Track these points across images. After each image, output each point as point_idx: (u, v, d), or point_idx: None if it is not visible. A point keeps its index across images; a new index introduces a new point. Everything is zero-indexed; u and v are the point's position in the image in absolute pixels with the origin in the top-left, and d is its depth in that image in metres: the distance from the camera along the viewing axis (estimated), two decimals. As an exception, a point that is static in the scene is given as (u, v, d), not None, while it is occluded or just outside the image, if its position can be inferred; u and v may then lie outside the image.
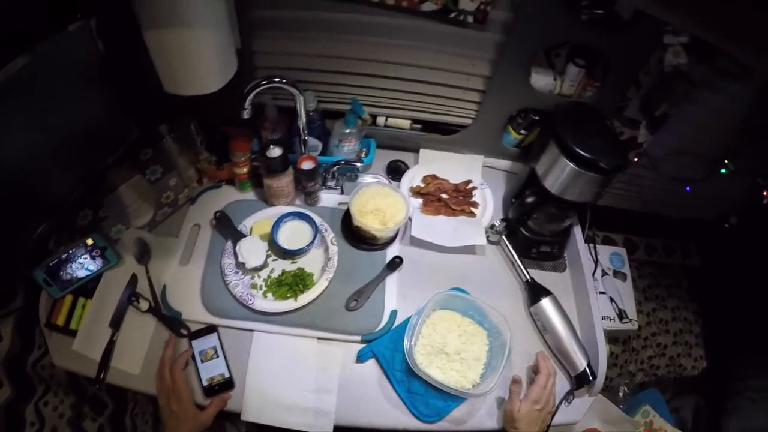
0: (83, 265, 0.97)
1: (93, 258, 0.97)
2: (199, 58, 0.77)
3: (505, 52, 0.93)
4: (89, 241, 0.96)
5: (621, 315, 1.23)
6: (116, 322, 0.95)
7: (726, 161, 1.16)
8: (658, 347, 1.46)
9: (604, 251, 1.27)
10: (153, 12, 0.70)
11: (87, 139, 0.96)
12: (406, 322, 0.91)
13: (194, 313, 0.95)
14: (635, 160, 1.18)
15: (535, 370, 0.92)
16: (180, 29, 0.71)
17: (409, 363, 0.83)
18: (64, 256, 0.94)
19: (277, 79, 0.86)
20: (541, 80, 1.00)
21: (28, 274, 0.92)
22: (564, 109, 0.98)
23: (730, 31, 0.67)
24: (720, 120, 1.08)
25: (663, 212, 1.34)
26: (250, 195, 1.09)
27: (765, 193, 1.16)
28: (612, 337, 1.32)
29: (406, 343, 0.85)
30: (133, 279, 0.99)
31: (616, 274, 1.27)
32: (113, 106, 1.00)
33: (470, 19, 0.90)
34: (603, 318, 1.21)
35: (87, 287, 0.98)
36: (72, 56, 0.88)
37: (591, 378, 0.90)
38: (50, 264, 0.93)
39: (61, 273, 0.95)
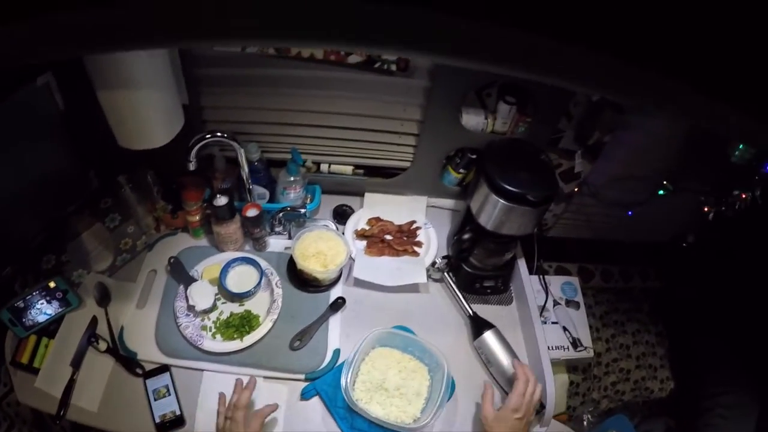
0: (46, 307, 1.03)
1: (55, 300, 1.03)
2: (146, 115, 0.83)
3: (432, 97, 0.98)
4: (51, 284, 1.01)
5: (575, 343, 1.25)
6: (77, 362, 1.00)
7: (664, 182, 1.18)
8: (621, 372, 1.46)
9: (556, 281, 1.30)
10: (101, 73, 0.76)
11: (49, 187, 1.03)
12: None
13: (149, 353, 0.99)
14: (575, 189, 1.21)
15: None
16: (126, 90, 0.78)
17: (346, 399, 0.86)
18: (28, 297, 1.00)
19: (219, 134, 0.92)
20: (473, 120, 1.04)
21: (-7, 313, 0.98)
22: (496, 146, 1.02)
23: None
24: (657, 143, 1.11)
25: (614, 238, 1.36)
26: (203, 241, 1.14)
27: (706, 209, 1.18)
28: (570, 366, 1.33)
29: (342, 380, 0.88)
30: (94, 321, 1.05)
31: (569, 303, 1.29)
32: (74, 157, 1.07)
33: (393, 67, 0.96)
34: (557, 347, 1.23)
35: (50, 328, 1.03)
36: (33, 111, 0.95)
37: (540, 408, 0.92)
38: (15, 305, 0.99)
39: (26, 314, 1.00)
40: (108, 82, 0.77)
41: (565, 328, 1.26)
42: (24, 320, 1.01)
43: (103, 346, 1.01)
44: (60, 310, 1.04)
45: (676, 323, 1.51)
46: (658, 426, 1.32)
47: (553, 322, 1.25)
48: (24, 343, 1.02)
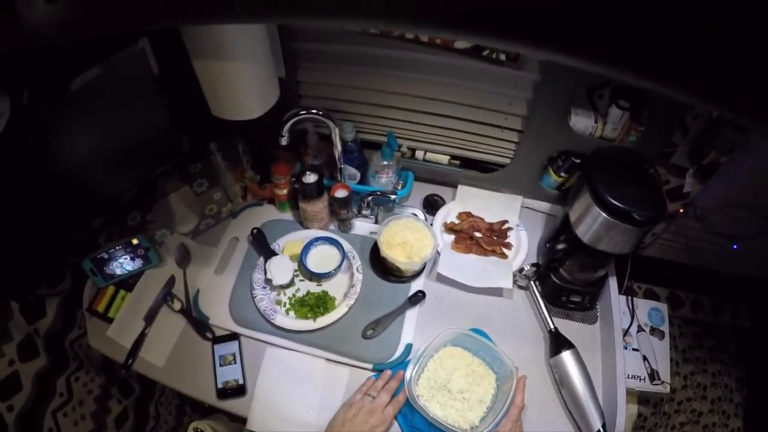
0: (127, 262, 1.06)
1: (136, 257, 1.06)
2: (241, 88, 0.82)
3: (541, 92, 0.92)
4: (135, 241, 1.04)
5: (653, 376, 1.16)
6: (149, 317, 1.02)
7: (779, 216, 1.06)
8: (692, 414, 1.35)
9: (644, 306, 1.20)
10: (198, 44, 0.75)
11: (143, 147, 1.06)
12: (418, 356, 0.91)
13: (221, 319, 1.00)
14: (680, 210, 1.12)
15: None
16: (223, 61, 0.76)
17: (408, 394, 0.84)
18: (111, 251, 1.03)
19: (313, 111, 0.90)
20: (582, 122, 0.97)
21: (77, 262, 1.01)
22: (603, 153, 0.94)
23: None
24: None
25: (711, 266, 1.25)
26: (287, 215, 1.13)
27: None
28: (643, 398, 1.24)
29: (407, 373, 0.85)
30: (171, 280, 1.06)
31: (654, 331, 1.19)
32: (167, 121, 1.09)
33: (503, 56, 0.90)
34: (633, 377, 1.15)
35: (128, 281, 1.07)
36: (131, 73, 0.96)
37: None
38: (98, 256, 1.02)
39: (107, 266, 1.04)
40: (204, 52, 0.76)
41: (645, 358, 1.17)
42: (104, 271, 1.04)
43: (177, 305, 1.03)
44: (140, 266, 1.07)
45: (760, 370, 1.38)
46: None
47: (633, 349, 1.17)
48: (102, 292, 1.06)
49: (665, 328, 1.20)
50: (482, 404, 0.87)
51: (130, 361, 0.98)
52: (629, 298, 1.18)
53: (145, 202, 1.12)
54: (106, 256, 1.03)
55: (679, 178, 1.08)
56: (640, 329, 1.19)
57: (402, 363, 0.93)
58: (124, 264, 1.05)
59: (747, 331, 1.42)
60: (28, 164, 0.85)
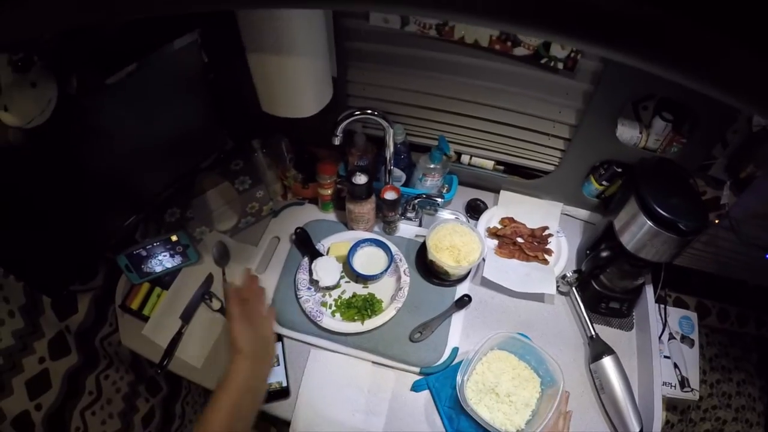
0: (165, 259, 1.04)
1: (175, 254, 1.04)
2: (299, 85, 0.80)
3: (592, 102, 0.93)
4: (174, 238, 1.02)
5: (683, 383, 1.17)
6: (187, 316, 1.01)
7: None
8: (716, 421, 1.37)
9: (674, 314, 1.22)
10: (258, 37, 0.73)
11: (184, 143, 1.04)
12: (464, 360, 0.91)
13: (263, 320, 0.99)
14: (716, 221, 1.14)
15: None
16: (282, 56, 0.75)
17: (459, 397, 0.84)
18: (148, 247, 1.01)
19: (369, 111, 0.89)
20: (627, 132, 0.99)
21: (112, 257, 1.00)
22: (647, 164, 0.96)
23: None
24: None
25: (740, 277, 1.27)
26: (330, 216, 1.13)
27: None
28: (670, 404, 1.26)
29: (459, 378, 0.85)
30: (209, 279, 1.05)
31: (684, 339, 1.21)
32: (211, 116, 1.08)
33: (560, 65, 0.91)
34: (664, 384, 1.16)
35: (164, 279, 1.05)
36: (178, 67, 0.95)
37: None
38: (134, 252, 1.00)
39: (143, 262, 1.02)
40: (262, 46, 0.74)
41: (676, 365, 1.18)
42: (140, 268, 1.02)
43: (216, 305, 1.02)
44: (178, 263, 1.05)
45: (782, 380, 1.41)
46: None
47: (665, 356, 1.18)
48: (136, 289, 1.04)
49: (695, 336, 1.21)
50: (528, 408, 0.88)
51: (165, 361, 0.96)
52: (661, 306, 1.19)
53: (184, 198, 1.10)
54: (143, 253, 1.01)
55: (715, 190, 1.10)
56: (671, 337, 1.20)
57: (448, 367, 0.93)
58: (162, 261, 1.04)
59: (769, 341, 1.45)
60: (68, 157, 0.83)
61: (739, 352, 1.42)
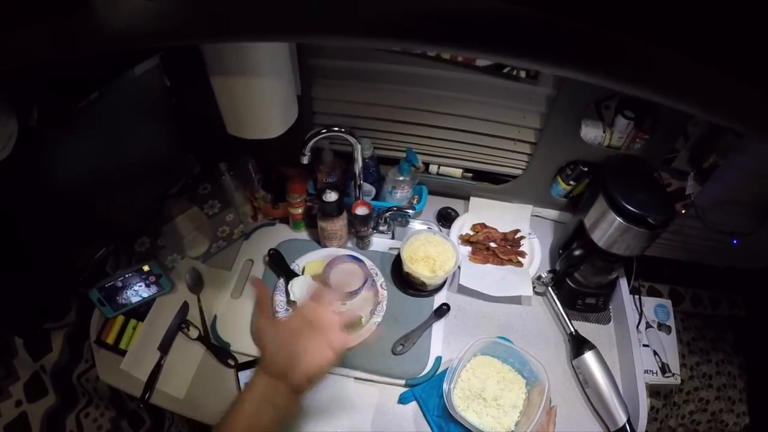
0: (138, 290, 1.02)
1: (148, 284, 1.02)
2: (264, 106, 0.79)
3: (556, 105, 0.94)
4: (146, 268, 1.00)
5: (664, 369, 1.20)
6: (165, 347, 0.99)
7: (771, 211, 1.13)
8: (700, 402, 1.41)
9: (649, 303, 1.25)
10: (221, 60, 0.72)
11: (150, 169, 1.02)
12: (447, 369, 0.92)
13: (243, 345, 0.97)
14: (682, 211, 1.17)
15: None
16: (247, 78, 0.73)
17: (447, 406, 0.84)
18: (120, 279, 0.99)
19: (336, 128, 0.89)
20: (591, 132, 1.01)
21: (84, 292, 0.97)
22: (613, 161, 0.98)
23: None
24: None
25: (709, 262, 1.31)
26: (303, 234, 1.12)
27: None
28: (653, 390, 1.29)
29: (445, 386, 0.86)
30: (185, 307, 1.03)
31: (661, 326, 1.24)
32: (176, 141, 1.06)
33: (522, 74, 0.92)
34: (645, 372, 1.18)
35: (138, 310, 1.03)
36: (141, 92, 0.93)
37: None
38: (106, 285, 0.98)
39: (116, 295, 1.00)
40: (226, 69, 0.73)
41: (655, 352, 1.21)
42: (113, 301, 1.00)
43: (194, 333, 1.00)
44: (152, 293, 1.03)
45: (759, 356, 1.45)
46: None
47: (644, 345, 1.21)
48: (110, 323, 1.01)
49: (671, 322, 1.24)
50: (515, 409, 0.89)
51: (147, 395, 0.94)
52: (636, 297, 1.22)
53: (153, 226, 1.08)
54: (115, 285, 0.99)
55: (680, 181, 1.12)
56: (648, 326, 1.23)
57: (433, 376, 0.94)
58: (135, 292, 1.02)
59: (743, 320, 1.50)
60: (33, 190, 0.80)
61: (715, 334, 1.46)
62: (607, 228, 0.93)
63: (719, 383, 1.43)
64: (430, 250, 0.98)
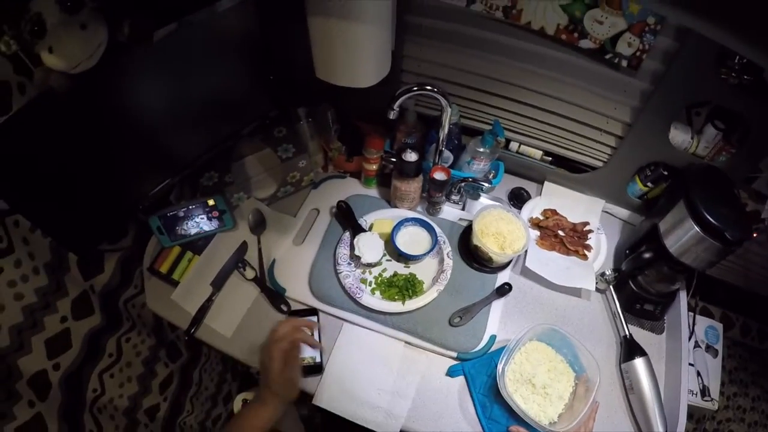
0: (199, 222, 1.01)
1: (210, 218, 1.02)
2: (361, 54, 0.78)
3: (650, 102, 0.92)
4: (210, 202, 1.00)
5: (704, 392, 1.18)
6: (219, 283, 0.98)
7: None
8: (729, 434, 1.38)
9: (701, 323, 1.22)
10: (324, 2, 0.70)
11: (225, 107, 1.01)
12: (501, 348, 0.90)
13: (298, 292, 0.97)
14: (754, 234, 1.14)
15: None
16: (348, 22, 0.72)
17: (499, 385, 0.83)
18: (183, 210, 0.99)
19: (428, 87, 0.87)
20: (680, 136, 0.98)
21: (144, 219, 0.97)
22: (697, 170, 0.95)
23: None
24: None
25: (764, 293, 1.28)
26: (372, 191, 1.11)
27: None
28: (688, 412, 1.26)
29: (499, 366, 0.84)
30: (244, 246, 1.02)
31: (708, 348, 1.21)
32: (255, 82, 1.05)
33: (624, 63, 0.90)
34: (686, 391, 1.16)
35: (196, 243, 1.03)
36: (227, 26, 0.92)
37: None
38: (168, 214, 0.98)
39: (176, 225, 1.00)
40: (328, 10, 0.71)
41: (699, 373, 1.19)
42: (173, 231, 1.00)
43: (250, 273, 0.99)
44: (213, 228, 1.03)
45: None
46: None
47: (689, 364, 1.18)
48: (166, 252, 1.01)
49: (719, 346, 1.22)
50: (561, 401, 0.87)
51: (193, 328, 0.94)
52: (691, 313, 1.19)
53: (223, 163, 1.07)
54: (177, 215, 0.99)
55: (756, 203, 1.09)
56: (696, 345, 1.21)
57: (485, 354, 0.92)
58: (196, 224, 1.01)
59: (784, 359, 1.46)
60: (108, 110, 0.80)
61: (757, 368, 1.43)
62: (682, 235, 0.90)
63: (752, 419, 1.39)
64: (502, 227, 0.97)
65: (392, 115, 0.89)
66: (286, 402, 0.77)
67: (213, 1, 0.85)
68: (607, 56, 0.90)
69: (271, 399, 0.75)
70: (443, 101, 0.89)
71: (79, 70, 0.69)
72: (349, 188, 1.10)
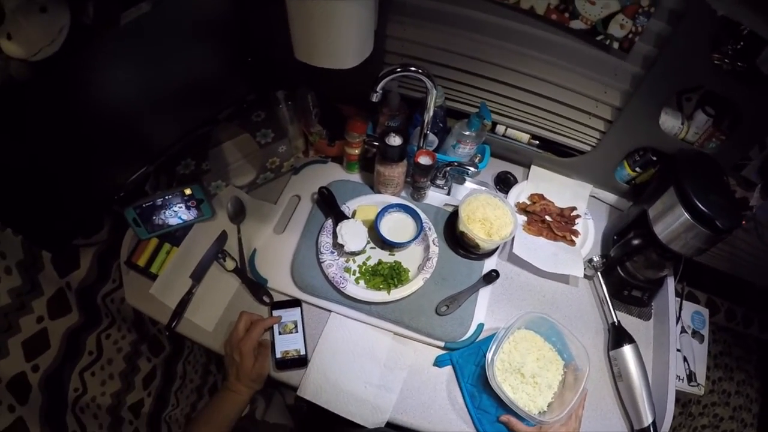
0: (177, 213, 0.97)
1: (188, 208, 0.97)
2: (342, 33, 0.74)
3: (641, 86, 0.90)
4: (187, 191, 0.96)
5: (691, 377, 1.18)
6: (198, 276, 0.95)
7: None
8: (714, 418, 1.39)
9: (687, 308, 1.22)
10: None
11: (202, 90, 0.97)
12: (489, 337, 0.89)
13: (281, 283, 0.94)
14: (742, 222, 1.13)
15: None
16: (328, 0, 0.68)
17: (488, 375, 0.81)
18: (159, 200, 0.94)
19: (413, 69, 0.83)
20: (670, 122, 0.96)
21: (119, 211, 0.93)
22: (687, 156, 0.94)
23: None
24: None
25: (750, 278, 1.28)
26: (355, 177, 1.07)
27: None
28: (675, 397, 1.27)
29: (488, 355, 0.83)
30: (223, 236, 0.99)
31: (695, 334, 1.21)
32: (232, 65, 1.00)
33: (615, 45, 0.87)
34: (673, 376, 1.16)
35: (174, 234, 0.98)
36: (200, 8, 0.87)
37: None
38: (143, 205, 0.93)
39: (153, 216, 0.95)
40: None
41: (685, 359, 1.19)
42: (149, 222, 0.95)
43: (230, 264, 0.96)
44: (191, 218, 0.99)
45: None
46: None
47: (676, 349, 1.18)
48: (143, 245, 0.97)
49: (705, 332, 1.22)
50: (550, 390, 0.87)
51: (174, 323, 0.90)
52: (678, 299, 1.19)
53: (200, 149, 1.02)
54: (153, 206, 0.94)
55: (744, 191, 1.09)
56: (683, 330, 1.21)
57: (473, 343, 0.90)
58: (174, 214, 0.97)
59: (768, 344, 1.48)
60: (76, 97, 0.75)
61: (742, 352, 1.44)
62: (671, 222, 0.89)
63: (736, 403, 1.41)
64: (489, 212, 0.94)
65: (375, 98, 0.85)
66: (254, 391, 0.84)
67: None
68: (599, 38, 0.87)
69: (242, 389, 0.82)
70: (428, 83, 0.85)
71: (40, 57, 0.64)
72: (331, 174, 1.06)
